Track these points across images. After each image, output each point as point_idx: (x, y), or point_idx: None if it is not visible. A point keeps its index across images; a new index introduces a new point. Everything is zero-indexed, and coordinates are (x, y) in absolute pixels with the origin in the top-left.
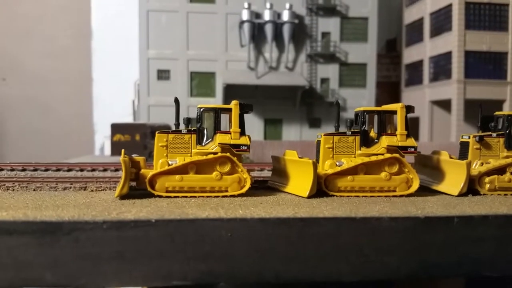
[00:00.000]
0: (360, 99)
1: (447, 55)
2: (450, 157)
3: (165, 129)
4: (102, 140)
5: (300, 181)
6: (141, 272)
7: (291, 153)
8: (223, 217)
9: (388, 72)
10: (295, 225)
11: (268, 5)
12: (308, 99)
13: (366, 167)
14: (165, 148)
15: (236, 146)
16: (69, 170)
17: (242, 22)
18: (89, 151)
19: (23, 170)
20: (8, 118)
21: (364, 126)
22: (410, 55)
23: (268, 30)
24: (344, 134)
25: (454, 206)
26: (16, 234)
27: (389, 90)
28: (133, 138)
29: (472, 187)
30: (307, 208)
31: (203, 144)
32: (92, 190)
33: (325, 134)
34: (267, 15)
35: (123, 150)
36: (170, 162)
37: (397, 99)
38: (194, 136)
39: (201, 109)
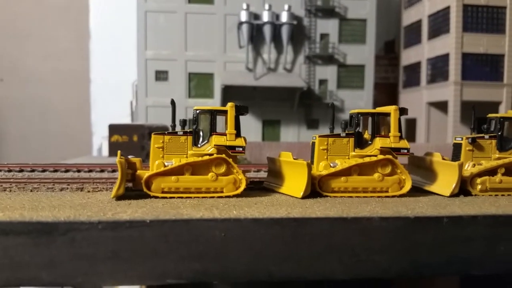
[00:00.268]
0: (358, 101)
1: (445, 57)
2: (443, 159)
3: (163, 130)
4: (100, 141)
5: (294, 182)
6: (136, 271)
7: (286, 155)
8: (217, 217)
9: (386, 73)
10: (288, 225)
11: (266, 6)
12: (306, 100)
13: (359, 168)
14: (161, 149)
15: (232, 148)
16: (66, 171)
17: (240, 23)
18: (87, 152)
19: (21, 171)
20: (5, 119)
21: (358, 128)
22: (408, 56)
23: (267, 31)
24: (338, 135)
25: (444, 207)
26: (12, 234)
27: (387, 92)
28: (131, 139)
29: (464, 188)
30: (300, 209)
31: (199, 145)
32: (88, 191)
33: (319, 136)
34: (265, 16)
35: (119, 152)
36: (166, 163)
37: (395, 101)
38: (190, 138)
39: (197, 111)
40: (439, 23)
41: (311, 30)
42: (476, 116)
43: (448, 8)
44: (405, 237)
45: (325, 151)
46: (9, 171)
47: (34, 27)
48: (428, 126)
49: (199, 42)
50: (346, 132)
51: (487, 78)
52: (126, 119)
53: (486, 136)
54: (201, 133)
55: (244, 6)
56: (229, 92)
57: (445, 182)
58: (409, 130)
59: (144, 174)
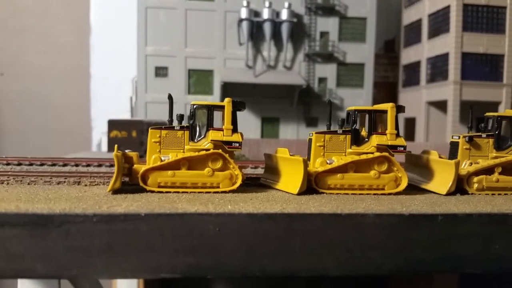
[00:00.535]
0: (357, 99)
1: (444, 57)
2: (440, 157)
3: (162, 126)
4: (100, 136)
5: (290, 179)
6: (130, 264)
7: (283, 151)
8: (212, 212)
9: (386, 72)
10: (281, 221)
11: (267, 4)
12: (305, 98)
13: (356, 165)
14: (158, 144)
15: (228, 143)
16: (64, 165)
17: (240, 20)
18: (87, 147)
19: (19, 164)
20: (5, 113)
21: (355, 125)
22: (408, 56)
23: (267, 28)
24: (335, 132)
25: (440, 205)
26: (7, 226)
27: (386, 91)
28: (130, 134)
29: (460, 186)
30: (295, 204)
31: (195, 140)
32: (86, 185)
33: (316, 133)
34: (265, 14)
35: (116, 146)
36: (162, 158)
37: (394, 100)
38: (187, 133)
39: (194, 106)
40: (439, 23)
41: (311, 28)
42: (475, 115)
43: (448, 7)
44: (400, 234)
45: (322, 147)
46: (7, 164)
47: (34, 21)
48: (428, 126)
49: (199, 38)
50: (343, 129)
51: (487, 78)
52: (125, 115)
53: (484, 135)
54: (198, 128)
55: (244, 3)
56: (228, 89)
57: (441, 180)
58: (409, 129)
59: (141, 168)
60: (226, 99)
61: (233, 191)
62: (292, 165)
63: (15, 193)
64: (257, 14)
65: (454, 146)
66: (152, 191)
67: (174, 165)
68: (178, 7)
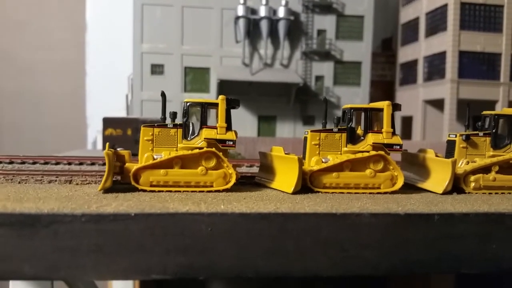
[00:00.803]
0: (354, 97)
1: (442, 55)
2: (436, 155)
3: (155, 123)
4: (95, 134)
5: (285, 177)
6: (120, 265)
7: (278, 149)
8: (204, 211)
9: (383, 71)
10: (275, 220)
11: (264, 1)
12: (302, 96)
13: (351, 164)
14: (150, 142)
15: (222, 141)
16: (57, 163)
17: (237, 18)
18: (82, 145)
19: (11, 162)
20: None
21: (351, 123)
22: (405, 54)
23: (264, 26)
24: (330, 131)
25: (436, 204)
26: None
27: (383, 89)
28: (125, 132)
29: (457, 185)
30: (289, 204)
31: (189, 138)
32: (77, 184)
33: (311, 131)
34: (262, 11)
35: (107, 144)
36: (155, 156)
37: (391, 98)
38: (180, 131)
39: (188, 104)
40: (436, 21)
41: (308, 26)
42: (472, 114)
43: (445, 6)
44: (395, 233)
45: (317, 146)
46: None
47: (30, 17)
48: (424, 124)
49: (196, 36)
50: (339, 127)
51: (484, 76)
52: (121, 113)
53: (481, 134)
54: (191, 126)
55: (241, 1)
56: (225, 87)
57: (438, 179)
58: (406, 127)
59: (133, 167)
60: (220, 97)
61: (227, 190)
62: (287, 163)
63: (4, 192)
64: (254, 11)
65: (451, 144)
66: (144, 190)
67: (167, 164)
68: (174, 4)
